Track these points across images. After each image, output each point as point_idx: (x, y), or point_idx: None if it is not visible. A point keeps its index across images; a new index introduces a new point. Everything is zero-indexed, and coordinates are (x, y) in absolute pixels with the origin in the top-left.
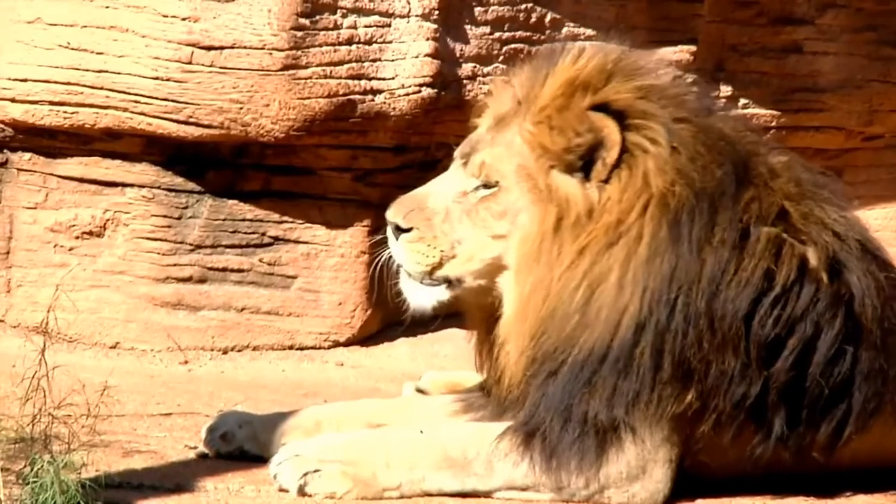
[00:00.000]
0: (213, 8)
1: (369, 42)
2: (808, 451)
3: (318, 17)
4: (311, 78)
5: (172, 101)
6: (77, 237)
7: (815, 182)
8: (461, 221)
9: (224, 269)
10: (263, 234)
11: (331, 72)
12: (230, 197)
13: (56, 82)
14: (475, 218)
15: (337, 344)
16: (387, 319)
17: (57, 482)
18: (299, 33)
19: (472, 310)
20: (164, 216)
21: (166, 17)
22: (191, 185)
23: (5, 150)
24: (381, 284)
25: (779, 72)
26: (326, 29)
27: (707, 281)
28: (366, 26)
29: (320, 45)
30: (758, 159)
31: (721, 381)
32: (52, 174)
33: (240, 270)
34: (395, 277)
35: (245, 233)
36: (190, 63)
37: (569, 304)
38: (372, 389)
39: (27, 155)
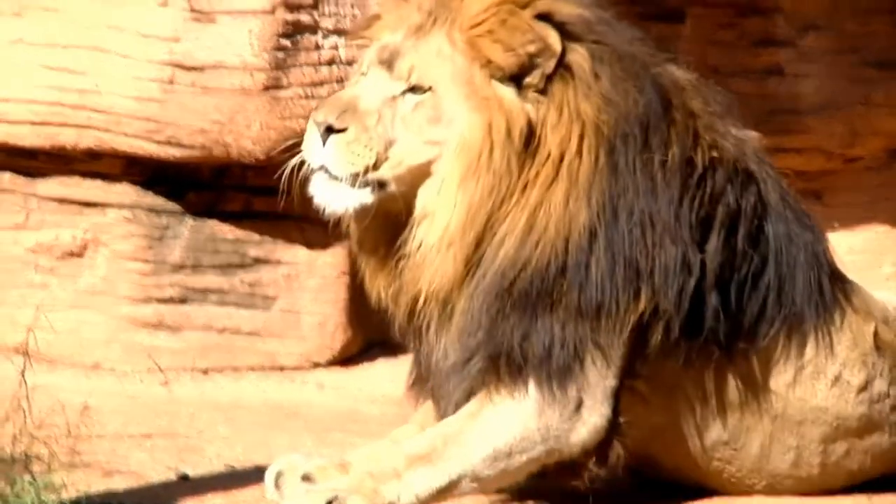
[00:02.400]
0: (194, 28)
1: (350, 63)
2: (735, 342)
3: (299, 38)
4: (292, 98)
5: (153, 121)
6: (58, 257)
7: (717, 100)
8: (394, 125)
9: (205, 290)
10: (244, 255)
11: (312, 92)
12: (211, 217)
13: (37, 102)
14: (408, 122)
15: (317, 365)
16: (367, 340)
17: (37, 502)
18: (280, 54)
19: (373, 221)
20: (145, 237)
21: (147, 37)
22: (172, 206)
23: None
24: (361, 305)
25: (760, 93)
26: (307, 49)
27: (643, 184)
28: (347, 47)
29: (301, 66)
30: (668, 80)
31: (666, 274)
32: (32, 194)
33: (221, 291)
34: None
35: (226, 253)
36: (171, 83)
37: (515, 225)
38: (352, 411)
39: (7, 175)
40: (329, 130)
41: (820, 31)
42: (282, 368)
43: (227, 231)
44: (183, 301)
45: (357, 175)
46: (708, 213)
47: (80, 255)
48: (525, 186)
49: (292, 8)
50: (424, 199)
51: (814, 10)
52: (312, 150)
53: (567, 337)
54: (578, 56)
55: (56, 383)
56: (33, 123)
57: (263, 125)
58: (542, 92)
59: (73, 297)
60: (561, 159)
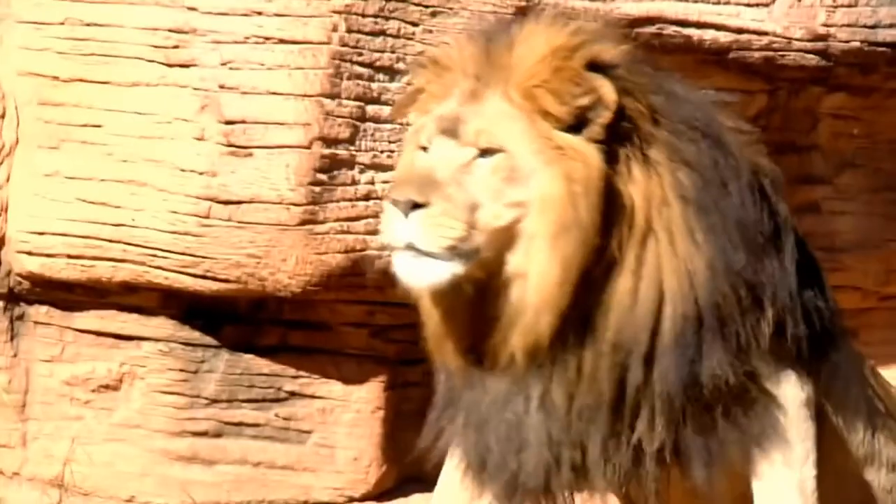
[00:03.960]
0: (231, 163)
1: (382, 198)
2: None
3: (335, 173)
4: (328, 233)
5: (189, 255)
6: (93, 390)
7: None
8: (473, 192)
9: (240, 424)
10: (279, 389)
11: (348, 227)
12: (247, 351)
13: (73, 235)
14: (486, 186)
15: (352, 500)
16: (402, 475)
17: None
18: (317, 188)
19: (451, 290)
20: (181, 370)
21: (184, 171)
22: (207, 340)
23: (22, 304)
24: (396, 440)
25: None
26: (344, 184)
27: (729, 209)
28: (383, 182)
29: (338, 201)
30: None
31: (775, 284)
32: (68, 327)
33: (256, 425)
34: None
35: (261, 387)
36: (207, 217)
37: (628, 285)
38: None
39: (44, 308)
40: (412, 206)
41: (857, 169)
42: (317, 503)
43: (262, 365)
44: (218, 435)
45: (447, 247)
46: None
47: (115, 388)
48: (620, 243)
49: (329, 143)
50: (515, 260)
51: (851, 147)
52: (395, 230)
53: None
54: (644, 101)
55: None
56: (69, 256)
57: (300, 259)
58: (606, 143)
59: (109, 430)
60: (649, 209)
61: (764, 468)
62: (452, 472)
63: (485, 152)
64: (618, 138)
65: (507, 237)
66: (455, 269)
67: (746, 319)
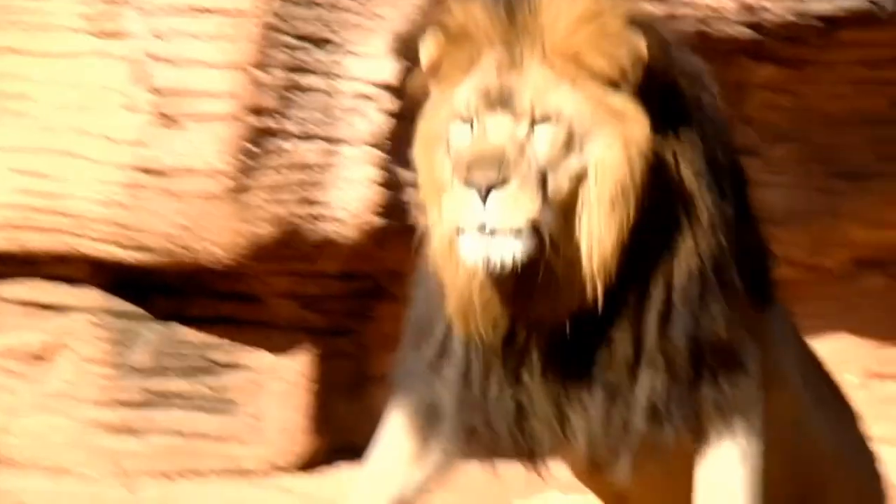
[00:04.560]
0: (161, 133)
1: (316, 168)
2: None
3: (265, 143)
4: (257, 203)
5: (120, 225)
6: (23, 361)
7: None
8: (537, 165)
9: (170, 394)
10: (209, 360)
11: (277, 198)
12: (176, 322)
13: (3, 205)
14: (547, 159)
15: (281, 470)
16: (331, 446)
17: None
18: (246, 158)
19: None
20: (111, 341)
21: (114, 141)
22: (137, 310)
23: None
24: (325, 411)
25: None
26: (273, 154)
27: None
28: (313, 152)
29: (267, 171)
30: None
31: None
32: None
33: (185, 396)
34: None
35: (191, 358)
36: (138, 187)
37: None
38: None
39: None
40: (489, 188)
41: (787, 141)
42: (246, 473)
43: (192, 336)
44: (148, 405)
45: (524, 225)
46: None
47: (45, 358)
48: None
49: (259, 113)
50: (571, 229)
51: (782, 120)
52: (468, 212)
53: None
54: (668, 59)
55: (21, 487)
56: (0, 227)
57: (229, 230)
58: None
59: (39, 400)
60: (678, 168)
61: (722, 434)
62: (398, 429)
63: (540, 122)
64: (656, 97)
65: (567, 206)
66: (529, 245)
67: (735, 274)
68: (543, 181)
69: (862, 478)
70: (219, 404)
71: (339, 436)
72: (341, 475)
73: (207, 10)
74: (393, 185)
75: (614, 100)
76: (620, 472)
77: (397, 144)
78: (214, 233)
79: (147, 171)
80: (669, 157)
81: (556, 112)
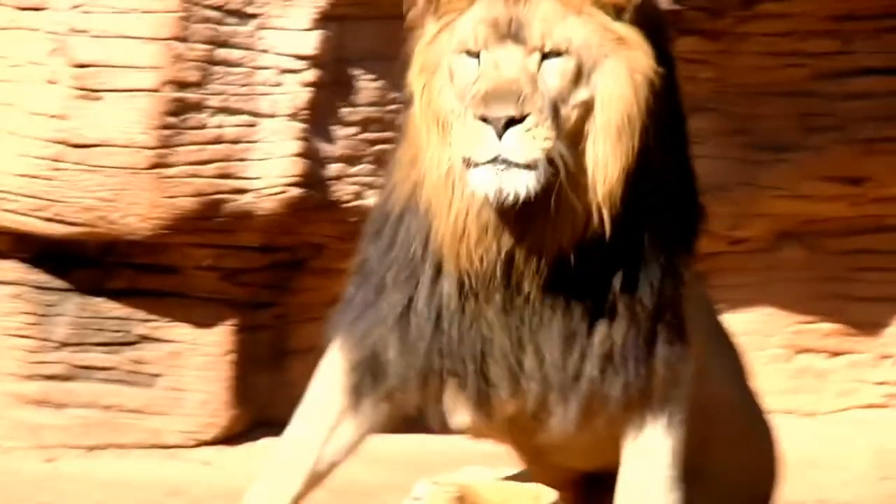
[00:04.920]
0: (82, 106)
1: (237, 141)
2: None
3: (185, 116)
4: (178, 176)
5: (40, 198)
6: None
7: None
8: (549, 97)
9: (90, 367)
10: (129, 332)
11: (198, 171)
12: (97, 295)
13: None
14: (558, 90)
15: (202, 443)
16: (252, 419)
17: None
18: (167, 132)
19: None
20: (31, 313)
21: (35, 114)
22: (58, 283)
23: None
24: (246, 383)
25: None
26: (194, 128)
27: None
28: (233, 125)
29: (188, 144)
30: None
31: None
32: None
33: (106, 368)
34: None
35: (111, 331)
36: (58, 160)
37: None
38: (237, 489)
39: None
40: (509, 122)
41: (708, 113)
42: (166, 446)
43: (112, 308)
44: (68, 378)
45: (540, 157)
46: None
47: None
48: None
49: (179, 86)
50: (578, 158)
51: (702, 91)
52: (483, 145)
53: None
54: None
55: None
56: None
57: (150, 203)
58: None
59: None
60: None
61: (657, 414)
62: (330, 385)
63: (550, 54)
64: (646, 32)
65: (575, 135)
66: (541, 176)
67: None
68: (555, 112)
69: (755, 424)
70: (139, 377)
71: (259, 409)
72: (262, 448)
73: None
74: (314, 157)
75: (619, 27)
76: (566, 422)
77: (319, 117)
78: (135, 206)
79: (68, 143)
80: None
81: (566, 43)
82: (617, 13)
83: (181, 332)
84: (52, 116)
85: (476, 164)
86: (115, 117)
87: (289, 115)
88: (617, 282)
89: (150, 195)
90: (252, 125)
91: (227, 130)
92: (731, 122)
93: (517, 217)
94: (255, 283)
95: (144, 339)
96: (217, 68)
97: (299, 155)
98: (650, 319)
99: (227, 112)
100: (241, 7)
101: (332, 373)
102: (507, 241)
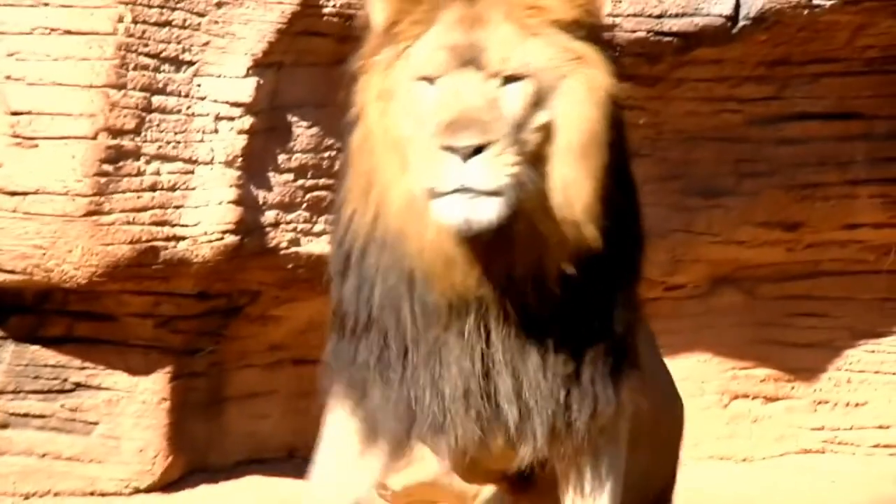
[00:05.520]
0: (17, 153)
1: (173, 188)
2: None
3: (121, 164)
4: (114, 224)
5: None
6: None
7: None
8: (511, 121)
9: (26, 415)
10: (65, 380)
11: (134, 218)
12: (32, 342)
13: None
14: (518, 114)
15: (138, 490)
16: (189, 466)
17: None
18: (103, 179)
19: None
20: None
21: None
22: None
23: None
24: (182, 431)
25: None
26: (130, 175)
27: None
28: (169, 172)
29: (124, 192)
30: None
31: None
32: None
33: (42, 416)
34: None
35: (47, 378)
36: None
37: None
38: None
39: None
40: (475, 151)
41: (643, 158)
42: (103, 494)
43: (48, 356)
44: (4, 426)
45: (506, 184)
46: None
47: None
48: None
49: (115, 133)
50: (546, 181)
51: (637, 137)
52: (447, 175)
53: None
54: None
55: None
56: None
57: (85, 250)
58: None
59: None
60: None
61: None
62: (340, 428)
63: (510, 79)
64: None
65: (540, 159)
66: (508, 202)
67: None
68: (518, 137)
69: (665, 391)
70: (75, 425)
71: (196, 456)
72: (198, 495)
73: (64, 31)
74: (250, 204)
75: (577, 46)
76: (535, 450)
77: (254, 164)
78: (70, 253)
79: (3, 191)
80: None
81: (525, 67)
82: (574, 32)
83: (117, 379)
84: None
85: (441, 194)
86: (50, 165)
87: (225, 162)
88: (587, 309)
89: (86, 242)
90: (188, 172)
91: (163, 177)
92: (666, 168)
93: (487, 244)
94: (191, 330)
95: (80, 386)
96: (153, 115)
97: (235, 202)
98: (618, 346)
99: (163, 159)
100: (177, 54)
101: (337, 419)
102: (477, 268)
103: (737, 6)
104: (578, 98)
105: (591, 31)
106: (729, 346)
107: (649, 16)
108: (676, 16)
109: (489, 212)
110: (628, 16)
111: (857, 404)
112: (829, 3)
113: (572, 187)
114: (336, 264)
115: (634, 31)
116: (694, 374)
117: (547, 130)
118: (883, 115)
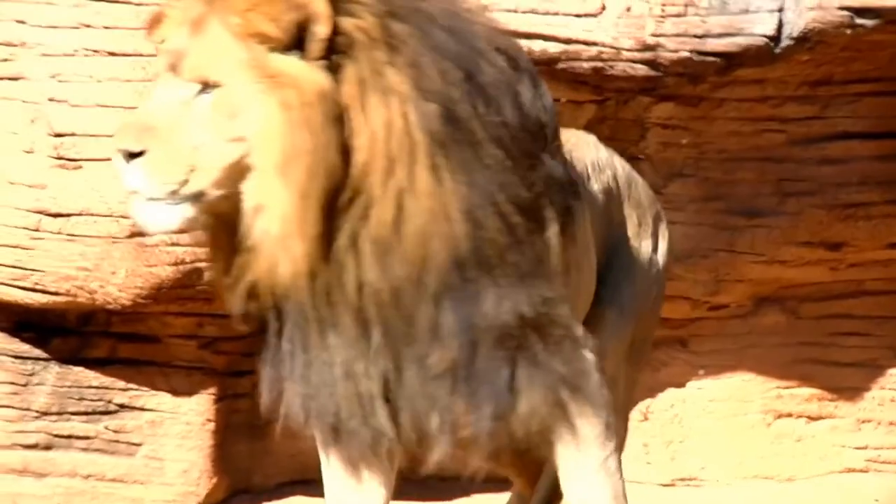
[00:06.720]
0: (61, 175)
1: None
2: None
3: None
4: (158, 245)
5: (20, 267)
6: None
7: None
8: (195, 131)
9: (70, 436)
10: (109, 402)
11: (177, 239)
12: (76, 364)
13: None
14: (207, 124)
15: None
16: (233, 487)
17: None
18: None
19: (212, 224)
20: (11, 383)
21: (14, 183)
22: (37, 352)
23: None
24: (226, 452)
25: None
26: None
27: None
28: None
29: None
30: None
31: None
32: None
33: (86, 437)
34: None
35: (91, 400)
36: (37, 230)
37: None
38: None
39: None
40: (130, 155)
41: (685, 179)
42: None
43: (92, 378)
44: (48, 448)
45: (169, 193)
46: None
47: None
48: (366, 171)
49: None
50: (251, 195)
51: (679, 157)
52: (123, 178)
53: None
54: (361, 24)
55: None
56: None
57: (129, 272)
58: (335, 68)
59: None
60: (389, 139)
61: (567, 438)
62: (331, 465)
63: (205, 87)
64: (348, 62)
65: (237, 173)
66: (185, 212)
67: (527, 246)
68: (197, 149)
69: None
70: (119, 446)
71: (239, 477)
72: None
73: (107, 52)
74: None
75: (281, 62)
76: (444, 452)
77: None
78: (113, 274)
79: (47, 213)
80: (379, 128)
81: (218, 78)
82: (283, 48)
83: (161, 400)
84: (31, 186)
85: (128, 196)
86: (94, 186)
87: None
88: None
89: (130, 264)
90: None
91: None
92: (708, 188)
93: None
94: (233, 351)
95: (124, 407)
96: None
97: None
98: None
99: None
100: None
101: (322, 450)
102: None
103: (779, 26)
104: (268, 118)
105: (318, 44)
106: (772, 366)
107: (692, 36)
108: (719, 36)
109: (162, 219)
110: (671, 36)
111: None
112: (872, 23)
113: (272, 205)
114: None
115: (677, 52)
116: (738, 393)
117: (244, 144)
118: None
